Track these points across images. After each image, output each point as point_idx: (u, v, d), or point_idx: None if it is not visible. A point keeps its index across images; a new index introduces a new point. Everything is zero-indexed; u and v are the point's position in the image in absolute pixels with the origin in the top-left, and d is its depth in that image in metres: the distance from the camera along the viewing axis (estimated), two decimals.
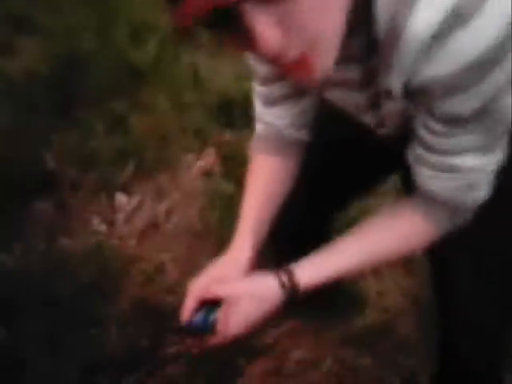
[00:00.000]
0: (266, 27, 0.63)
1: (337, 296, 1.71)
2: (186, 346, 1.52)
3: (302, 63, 0.68)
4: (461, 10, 0.66)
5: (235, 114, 2.37)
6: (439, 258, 1.18)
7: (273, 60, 0.67)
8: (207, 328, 0.98)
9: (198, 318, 0.99)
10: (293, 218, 1.16)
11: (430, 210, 0.90)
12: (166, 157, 2.22)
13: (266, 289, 0.95)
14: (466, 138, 0.79)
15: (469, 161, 0.82)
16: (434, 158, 0.84)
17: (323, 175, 1.22)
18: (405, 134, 0.96)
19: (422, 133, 0.83)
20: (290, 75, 0.75)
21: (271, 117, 1.07)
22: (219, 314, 0.96)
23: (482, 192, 0.87)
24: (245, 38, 0.64)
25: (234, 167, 2.19)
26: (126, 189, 2.10)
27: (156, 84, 2.52)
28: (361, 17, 0.74)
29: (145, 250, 1.91)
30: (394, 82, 0.77)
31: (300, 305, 1.50)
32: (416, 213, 0.92)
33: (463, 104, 0.74)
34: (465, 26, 0.67)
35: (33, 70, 2.54)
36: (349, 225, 1.06)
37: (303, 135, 1.10)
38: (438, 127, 0.79)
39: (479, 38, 0.68)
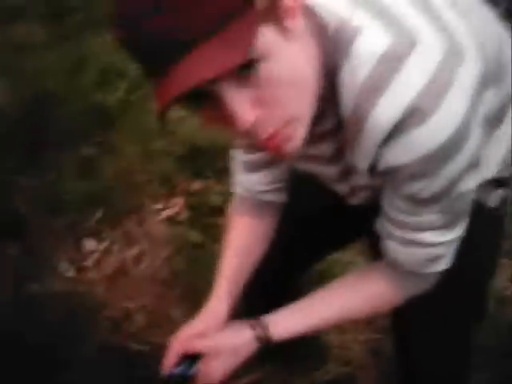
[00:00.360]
0: (242, 106, 0.69)
1: (299, 349, 1.76)
2: None
3: (275, 139, 0.74)
4: (419, 108, 0.73)
5: (202, 162, 2.43)
6: (400, 318, 1.26)
7: (248, 136, 0.73)
8: (188, 379, 1.04)
9: (180, 369, 1.04)
10: (266, 273, 1.21)
11: (395, 276, 0.97)
12: (134, 203, 2.25)
13: (242, 342, 1.02)
14: (427, 217, 0.86)
15: (430, 237, 0.89)
16: (398, 232, 0.91)
17: (298, 236, 1.29)
18: (376, 204, 1.05)
19: (388, 208, 0.90)
20: (264, 149, 0.80)
21: (251, 182, 1.14)
22: (199, 366, 1.03)
23: (443, 263, 0.94)
24: (222, 116, 0.70)
25: (201, 216, 2.24)
26: (94, 234, 2.12)
27: (124, 129, 2.55)
28: (330, 100, 0.81)
29: (113, 296, 1.93)
30: (359, 162, 0.84)
31: (263, 358, 1.57)
32: (382, 277, 0.99)
33: (425, 188, 0.80)
34: (422, 122, 0.73)
35: (0, 111, 2.54)
36: (317, 276, 1.11)
37: (280, 198, 1.18)
38: (401, 205, 0.86)
39: (437, 133, 0.74)
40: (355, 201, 1.06)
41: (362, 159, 0.83)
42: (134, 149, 2.47)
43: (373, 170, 0.84)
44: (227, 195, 2.29)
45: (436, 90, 0.73)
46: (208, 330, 1.08)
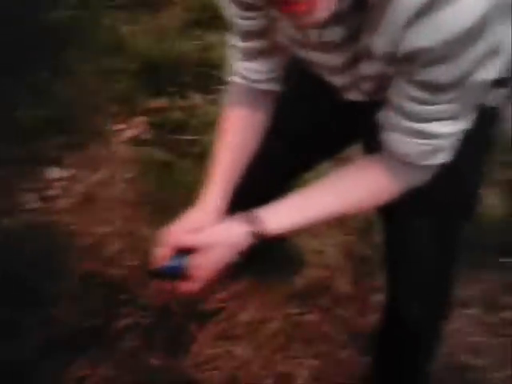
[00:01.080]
0: None
1: (277, 256, 1.78)
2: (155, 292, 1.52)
3: (305, 3, 0.73)
4: None
5: (161, 79, 2.36)
6: (393, 219, 1.26)
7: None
8: (179, 272, 1.02)
9: (171, 262, 1.02)
10: (253, 183, 1.18)
11: (394, 167, 0.97)
12: (95, 126, 2.18)
13: (236, 237, 0.99)
14: (438, 107, 0.85)
15: (440, 128, 0.89)
16: (407, 124, 0.90)
17: (288, 151, 1.28)
18: (371, 101, 1.02)
19: (397, 98, 0.89)
20: (290, 15, 0.78)
21: (248, 70, 1.12)
22: (191, 260, 1.00)
23: (444, 155, 0.94)
24: None
25: (165, 134, 2.19)
26: (57, 161, 2.07)
27: (77, 48, 2.45)
28: None
29: (83, 223, 1.90)
30: (378, 44, 0.83)
31: (242, 268, 1.58)
32: (381, 169, 0.98)
33: (443, 74, 0.80)
34: (451, 3, 0.73)
35: None
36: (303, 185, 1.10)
37: (276, 87, 1.15)
38: (414, 93, 0.85)
39: (465, 14, 0.73)
40: (353, 95, 1.04)
41: (382, 42, 0.82)
42: (90, 68, 2.37)
43: (391, 55, 0.83)
44: (190, 111, 2.25)
45: None
46: (201, 225, 1.05)
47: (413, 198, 1.14)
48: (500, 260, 1.84)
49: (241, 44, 1.09)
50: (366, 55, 0.88)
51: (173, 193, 1.98)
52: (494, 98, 1.03)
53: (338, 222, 1.95)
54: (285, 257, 1.83)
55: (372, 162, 1.00)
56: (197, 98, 2.32)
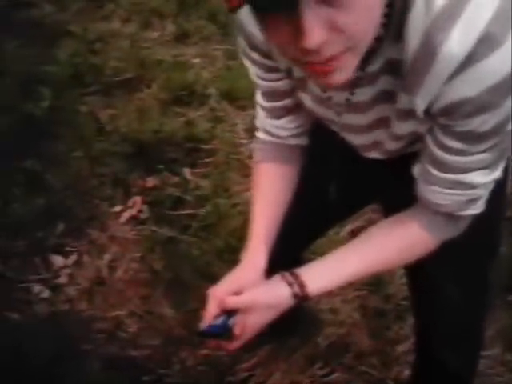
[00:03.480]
0: (315, 24, 0.67)
1: (297, 320, 1.80)
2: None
3: (329, 65, 0.73)
4: (491, 35, 0.73)
5: (151, 157, 2.40)
6: (419, 271, 1.30)
7: (305, 56, 0.71)
8: (226, 332, 1.04)
9: (218, 322, 1.05)
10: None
11: (431, 220, 0.98)
12: (92, 210, 2.19)
13: (279, 298, 1.01)
14: (477, 157, 0.86)
15: (476, 178, 0.90)
16: (442, 176, 0.91)
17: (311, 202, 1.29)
18: (390, 159, 1.06)
19: (435, 151, 0.89)
20: (312, 73, 0.77)
21: (275, 128, 1.14)
22: (236, 320, 1.03)
23: (479, 205, 0.96)
24: (293, 28, 0.68)
25: (163, 210, 2.22)
26: (59, 249, 2.06)
27: (59, 137, 2.47)
28: (384, 38, 0.81)
29: (97, 308, 1.89)
30: (419, 102, 0.83)
31: (267, 335, 1.59)
32: (418, 223, 0.99)
33: (484, 123, 0.80)
34: (493, 51, 0.74)
35: None
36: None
37: (304, 141, 1.18)
38: (455, 145, 0.86)
39: (506, 61, 0.75)
40: (372, 154, 1.07)
41: (421, 98, 0.82)
42: (77, 155, 2.40)
43: (430, 109, 0.83)
44: (183, 186, 2.29)
45: (505, 16, 0.74)
46: (246, 283, 1.07)
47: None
48: (508, 298, 1.91)
49: (266, 104, 1.12)
50: (404, 115, 0.90)
51: (182, 268, 2.00)
52: None
53: None
54: (301, 318, 1.85)
55: (407, 217, 1.01)
56: (187, 174, 2.35)
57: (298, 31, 0.67)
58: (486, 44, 0.73)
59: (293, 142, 1.16)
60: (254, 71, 1.07)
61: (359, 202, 1.36)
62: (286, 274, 1.03)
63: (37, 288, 1.94)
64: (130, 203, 2.23)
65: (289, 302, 1.01)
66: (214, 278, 1.86)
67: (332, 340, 1.85)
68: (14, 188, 2.21)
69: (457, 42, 0.74)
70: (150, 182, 2.31)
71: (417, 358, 1.52)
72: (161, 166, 2.36)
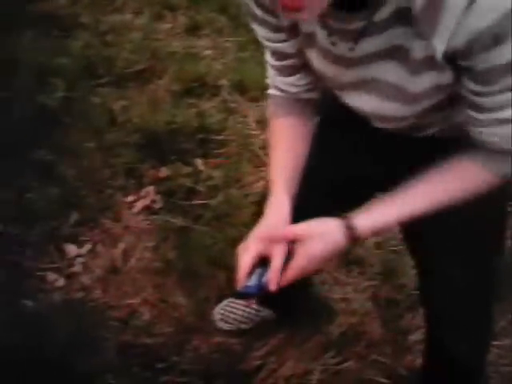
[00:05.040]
0: None
1: (307, 308, 1.82)
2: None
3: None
4: None
5: (163, 148, 2.41)
6: (427, 260, 1.31)
7: None
8: (262, 290, 1.02)
9: (253, 281, 1.03)
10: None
11: (484, 157, 0.98)
12: (106, 200, 2.21)
13: (333, 231, 1.00)
14: (505, 95, 0.87)
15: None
16: (484, 116, 0.92)
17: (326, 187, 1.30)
18: (405, 131, 1.06)
19: (468, 96, 0.91)
20: (287, 10, 0.80)
21: (286, 85, 1.16)
22: (270, 271, 1.01)
23: None
24: None
25: (176, 201, 2.23)
26: (73, 239, 2.08)
27: (74, 127, 2.49)
28: None
29: (111, 297, 1.91)
30: (437, 44, 0.84)
31: (277, 322, 1.60)
32: (471, 160, 0.99)
33: (503, 55, 0.81)
34: None
35: None
36: None
37: (316, 95, 1.19)
38: (480, 88, 0.87)
39: None
40: (386, 124, 1.06)
41: (439, 39, 0.83)
42: (90, 145, 2.41)
43: (448, 52, 0.84)
44: (195, 177, 2.30)
45: None
46: (278, 225, 1.06)
47: (444, 237, 1.20)
48: None
49: (275, 62, 1.13)
50: (420, 67, 0.89)
51: (195, 257, 2.01)
52: None
53: (360, 266, 2.01)
54: (314, 307, 1.86)
55: (463, 158, 1.00)
56: (199, 164, 2.36)
57: None
58: None
59: (304, 96, 1.18)
60: (260, 32, 1.08)
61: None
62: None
63: (52, 276, 1.96)
64: (143, 193, 2.25)
65: (342, 235, 1.00)
66: (226, 267, 1.91)
67: (344, 329, 1.85)
68: (28, 178, 2.22)
69: None
70: (163, 172, 2.32)
71: (427, 346, 1.53)
72: (173, 157, 2.37)
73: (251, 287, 1.03)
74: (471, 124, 0.96)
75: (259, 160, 2.38)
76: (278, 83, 1.17)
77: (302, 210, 1.09)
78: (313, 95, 1.18)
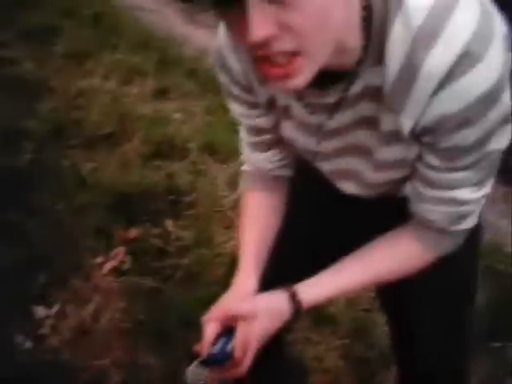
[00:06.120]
0: (260, 20, 0.70)
1: (281, 367, 1.80)
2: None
3: (281, 67, 0.76)
4: (470, 52, 0.77)
5: (133, 208, 2.42)
6: (397, 312, 1.33)
7: (258, 48, 0.73)
8: (226, 357, 1.04)
9: (217, 348, 1.05)
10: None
11: (425, 235, 1.00)
12: (75, 261, 2.19)
13: (278, 304, 1.04)
14: (464, 173, 0.89)
15: (465, 194, 0.92)
16: (432, 193, 0.94)
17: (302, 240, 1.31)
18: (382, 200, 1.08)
19: (422, 169, 0.92)
20: (267, 76, 0.79)
21: (259, 161, 1.18)
22: (238, 335, 1.03)
23: (472, 220, 0.98)
24: (242, 24, 0.71)
25: (146, 261, 2.22)
26: (42, 300, 2.04)
27: (42, 189, 2.48)
28: (364, 60, 0.84)
29: (80, 358, 1.87)
30: (404, 121, 0.86)
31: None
32: (412, 237, 1.01)
33: (467, 138, 0.83)
34: (472, 67, 0.77)
35: None
36: None
37: (289, 172, 1.21)
38: (438, 163, 0.89)
39: (486, 76, 0.78)
40: (352, 187, 1.09)
41: (407, 118, 0.85)
42: (59, 207, 2.40)
43: (415, 129, 0.86)
44: (165, 237, 2.31)
45: (482, 35, 0.77)
46: (235, 301, 1.09)
47: (415, 288, 1.23)
48: (491, 345, 1.94)
49: (251, 139, 1.15)
50: (388, 139, 0.92)
51: (166, 317, 1.99)
52: None
53: (331, 325, 2.02)
54: (288, 366, 1.85)
55: (401, 232, 1.03)
56: (169, 225, 2.37)
57: (245, 27, 0.71)
58: (465, 61, 0.77)
59: (278, 173, 1.20)
60: (237, 110, 1.10)
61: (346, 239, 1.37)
62: (283, 287, 1.05)
63: (19, 339, 1.91)
64: (112, 254, 2.23)
65: (287, 306, 1.03)
66: (198, 328, 1.89)
67: None
68: None
69: (437, 59, 0.78)
70: (133, 233, 2.32)
71: None
72: (143, 218, 2.38)
73: (216, 354, 1.05)
74: (415, 198, 0.98)
75: (229, 220, 2.40)
76: (252, 160, 1.19)
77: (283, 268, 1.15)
78: (287, 172, 1.21)
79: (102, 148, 2.78)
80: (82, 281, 2.12)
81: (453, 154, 0.87)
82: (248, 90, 1.04)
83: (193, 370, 1.77)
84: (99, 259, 2.21)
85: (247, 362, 1.05)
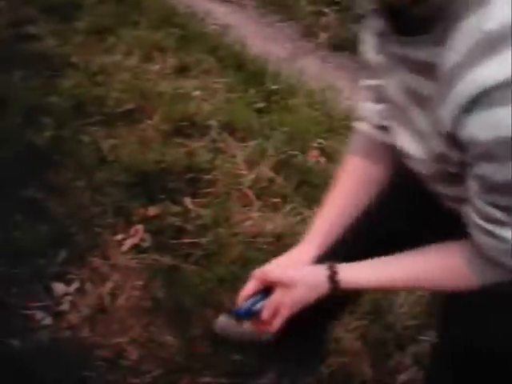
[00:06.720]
0: None
1: (300, 348, 1.81)
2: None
3: None
4: None
5: (152, 187, 2.42)
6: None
7: None
8: (251, 314, 1.09)
9: (246, 304, 1.10)
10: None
11: (476, 257, 0.98)
12: (94, 238, 2.20)
13: (317, 279, 1.06)
14: (503, 215, 0.86)
15: (506, 233, 0.89)
16: (478, 221, 0.92)
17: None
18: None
19: (469, 193, 0.90)
20: None
21: (372, 112, 1.16)
22: (273, 297, 1.07)
23: None
24: None
25: (165, 240, 2.23)
26: (61, 277, 2.06)
27: (62, 166, 2.50)
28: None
29: (99, 336, 1.89)
30: (444, 118, 0.84)
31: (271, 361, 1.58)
32: (464, 255, 0.99)
33: (494, 174, 0.81)
34: (510, 103, 0.73)
35: None
36: None
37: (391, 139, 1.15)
38: (477, 189, 0.87)
39: None
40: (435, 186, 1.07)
41: (446, 117, 0.83)
42: (79, 184, 2.42)
43: (451, 136, 0.84)
44: (184, 216, 2.31)
45: None
46: (282, 268, 1.13)
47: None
48: None
49: (373, 83, 1.11)
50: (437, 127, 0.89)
51: (183, 296, 2.00)
52: None
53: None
54: (306, 348, 1.85)
55: (456, 247, 1.01)
56: (188, 203, 2.37)
57: None
58: (508, 91, 0.73)
59: (383, 136, 1.16)
60: (368, 45, 1.06)
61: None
62: (328, 263, 1.07)
63: (39, 315, 1.93)
64: (131, 232, 2.24)
65: (325, 283, 1.05)
66: (215, 306, 1.91)
67: (334, 368, 1.84)
68: (15, 216, 2.21)
69: (485, 73, 0.74)
70: (152, 211, 2.32)
71: None
72: (162, 196, 2.38)
73: (242, 310, 1.10)
74: (467, 220, 0.96)
75: (247, 199, 2.40)
76: (365, 109, 1.18)
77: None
78: (390, 139, 1.14)
79: (122, 125, 2.78)
80: (100, 258, 2.13)
81: (487, 186, 0.84)
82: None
83: (221, 320, 1.80)
84: (118, 237, 2.22)
85: (275, 325, 1.07)
